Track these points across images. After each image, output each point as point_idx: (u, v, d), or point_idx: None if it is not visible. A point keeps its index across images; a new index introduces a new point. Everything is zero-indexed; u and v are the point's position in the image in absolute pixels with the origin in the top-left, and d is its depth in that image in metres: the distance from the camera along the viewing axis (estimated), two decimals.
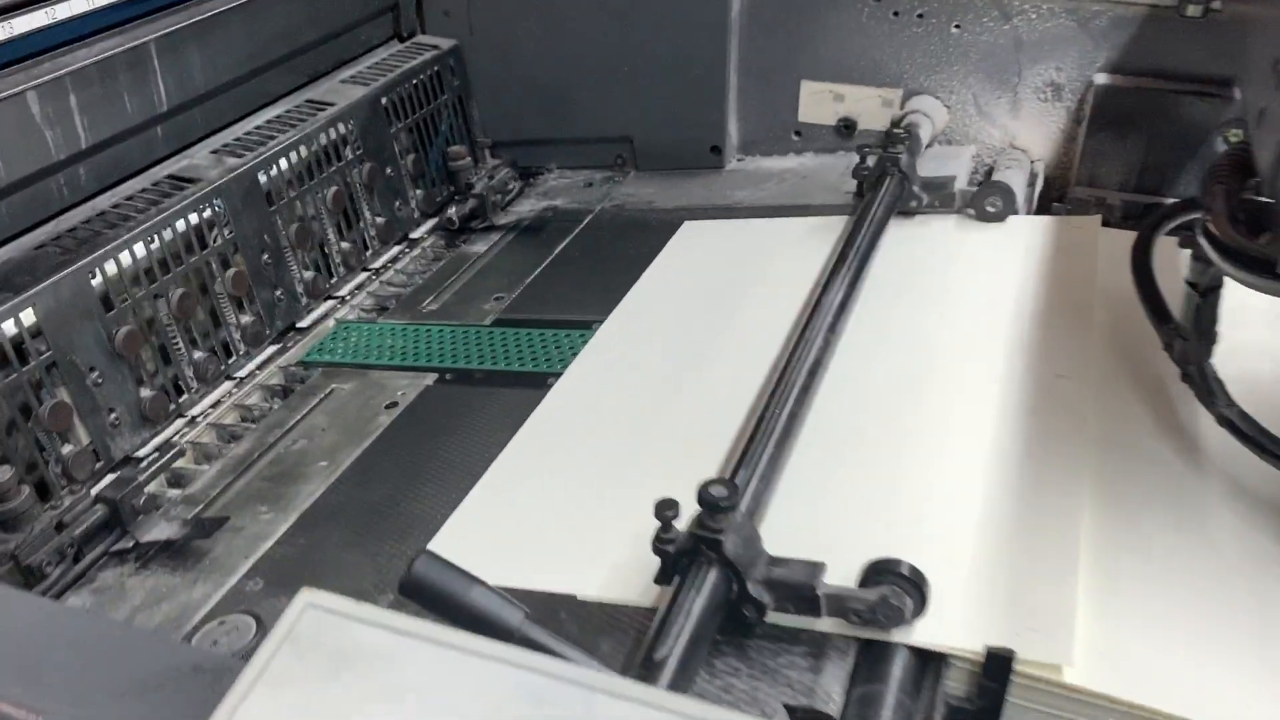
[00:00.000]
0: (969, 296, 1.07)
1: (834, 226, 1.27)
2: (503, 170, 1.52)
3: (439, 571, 0.62)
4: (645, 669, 0.63)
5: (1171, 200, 1.29)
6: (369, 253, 1.37)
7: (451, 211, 1.45)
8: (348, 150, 1.33)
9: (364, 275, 1.35)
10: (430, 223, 1.47)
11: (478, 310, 1.25)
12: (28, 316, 0.93)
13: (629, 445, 0.94)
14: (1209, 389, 0.81)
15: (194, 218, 1.10)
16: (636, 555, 0.75)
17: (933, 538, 0.77)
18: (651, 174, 1.55)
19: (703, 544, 0.69)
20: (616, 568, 0.78)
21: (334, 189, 1.30)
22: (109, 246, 1.00)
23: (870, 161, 1.24)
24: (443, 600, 0.62)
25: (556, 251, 1.36)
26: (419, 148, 1.47)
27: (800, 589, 0.69)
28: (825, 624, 0.70)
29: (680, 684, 0.62)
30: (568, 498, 0.89)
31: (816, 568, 0.70)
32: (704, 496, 0.68)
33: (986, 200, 1.21)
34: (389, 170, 1.40)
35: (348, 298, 1.32)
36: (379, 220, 1.39)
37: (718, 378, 1.01)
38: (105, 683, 0.51)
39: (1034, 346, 0.97)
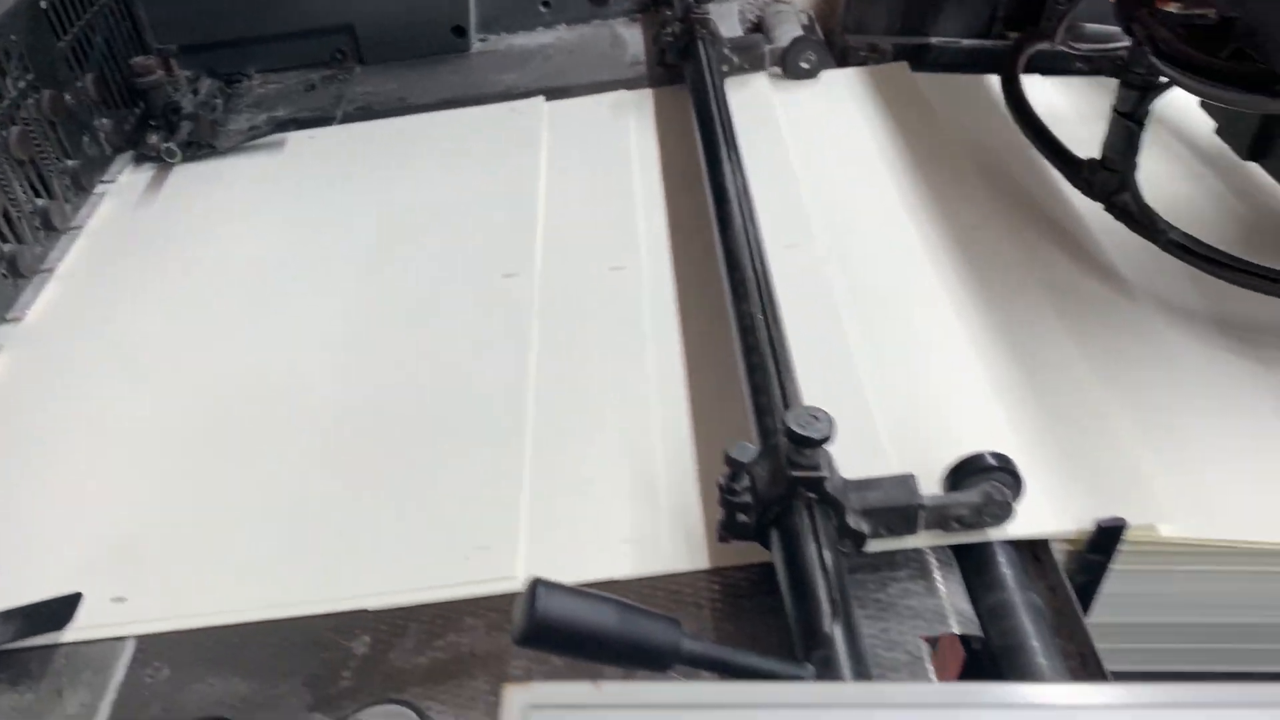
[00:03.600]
0: (834, 158, 1.01)
1: (641, 102, 1.15)
2: (206, 82, 1.23)
3: (565, 601, 0.47)
4: (816, 646, 0.52)
5: (938, 39, 1.30)
6: (69, 208, 1.06)
7: (155, 139, 1.15)
8: (12, 78, 0.99)
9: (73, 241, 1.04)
10: (125, 158, 1.17)
11: None
12: None
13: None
14: (1149, 218, 0.81)
15: None
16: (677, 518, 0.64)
17: (972, 424, 0.71)
18: (385, 66, 1.33)
19: (802, 485, 0.58)
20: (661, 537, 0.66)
21: (15, 130, 0.97)
22: None
23: (675, 28, 1.13)
24: (582, 636, 0.47)
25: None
26: (101, 64, 1.15)
27: (903, 510, 0.61)
28: (919, 539, 0.63)
29: (857, 651, 0.52)
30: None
31: (907, 482, 0.62)
32: (794, 433, 0.58)
33: (800, 57, 1.14)
34: (68, 98, 1.07)
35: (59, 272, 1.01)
36: (71, 164, 1.07)
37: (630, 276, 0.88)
38: None
39: (930, 200, 0.93)
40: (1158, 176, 0.91)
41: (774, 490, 0.59)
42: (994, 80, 1.08)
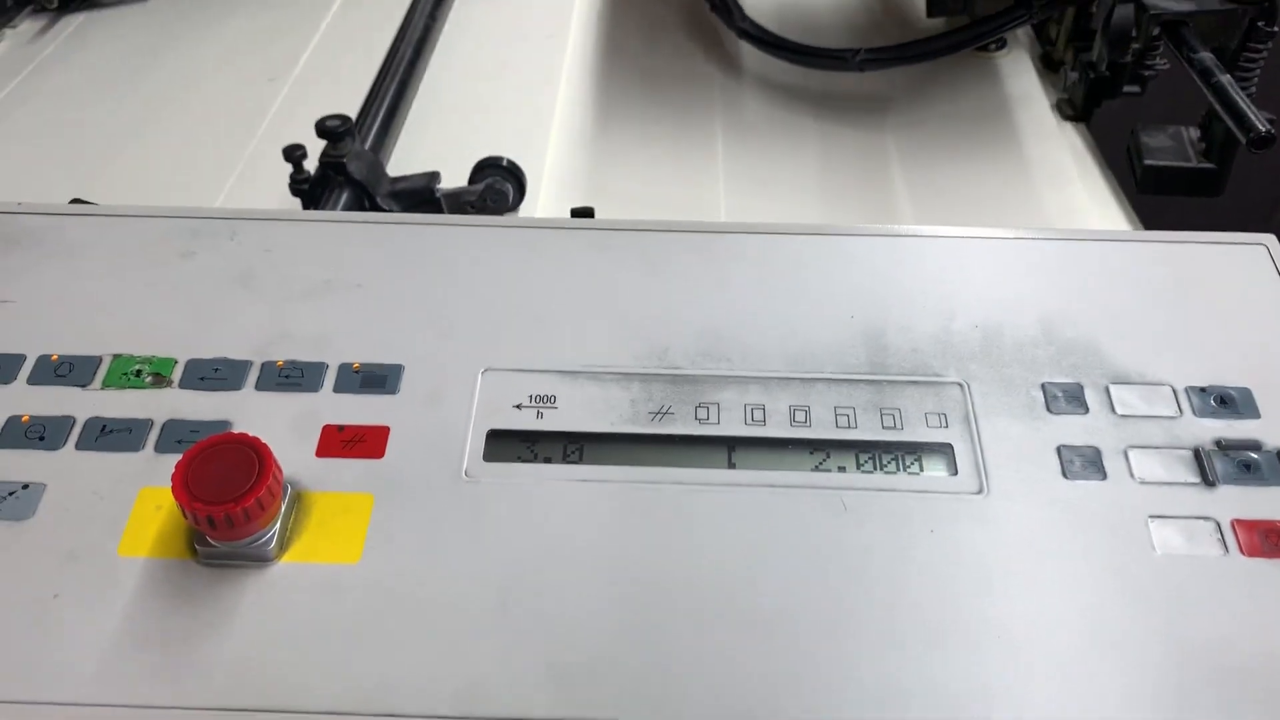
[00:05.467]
0: None
1: None
2: None
3: None
4: None
5: None
6: None
7: None
8: None
9: None
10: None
11: None
12: None
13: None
14: (728, 9, 1.01)
15: None
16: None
17: (523, 143, 0.93)
18: None
19: (330, 169, 0.81)
20: None
21: None
22: None
23: None
24: None
25: None
26: None
27: (422, 193, 0.83)
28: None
29: None
30: None
31: (433, 175, 0.84)
32: (322, 128, 0.81)
33: None
34: None
35: None
36: None
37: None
38: None
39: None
40: None
41: (315, 175, 0.82)
42: None
